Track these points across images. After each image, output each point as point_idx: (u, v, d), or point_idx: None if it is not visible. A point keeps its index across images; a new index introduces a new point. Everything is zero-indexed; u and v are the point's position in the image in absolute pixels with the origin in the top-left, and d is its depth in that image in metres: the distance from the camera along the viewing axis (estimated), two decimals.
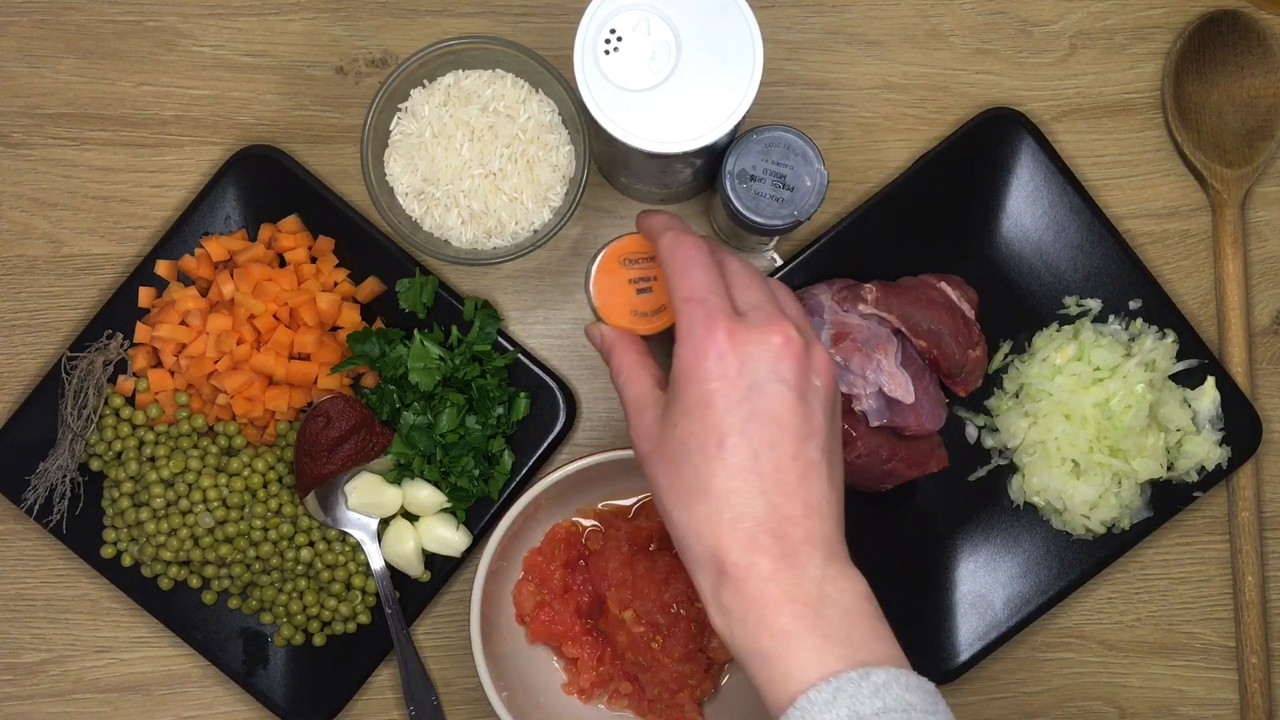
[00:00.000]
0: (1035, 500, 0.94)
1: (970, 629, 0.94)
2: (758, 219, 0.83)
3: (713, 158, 0.83)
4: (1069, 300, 0.95)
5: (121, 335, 0.94)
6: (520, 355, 0.94)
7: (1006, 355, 0.95)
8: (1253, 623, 0.96)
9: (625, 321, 0.86)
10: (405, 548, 0.93)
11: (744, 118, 0.78)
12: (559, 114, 0.91)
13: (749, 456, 0.66)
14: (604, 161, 0.92)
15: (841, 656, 0.64)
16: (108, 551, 0.94)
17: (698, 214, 0.97)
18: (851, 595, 0.66)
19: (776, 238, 0.93)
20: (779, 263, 0.96)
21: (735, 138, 0.83)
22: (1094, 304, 0.95)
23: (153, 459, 0.93)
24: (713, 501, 0.66)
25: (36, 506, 0.93)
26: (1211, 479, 0.94)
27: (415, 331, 0.93)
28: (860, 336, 0.89)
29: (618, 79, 0.77)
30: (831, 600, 0.65)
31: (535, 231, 0.91)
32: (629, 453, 0.89)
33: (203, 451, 0.92)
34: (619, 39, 0.76)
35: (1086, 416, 0.91)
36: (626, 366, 0.74)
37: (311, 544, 0.94)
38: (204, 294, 0.94)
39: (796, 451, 0.67)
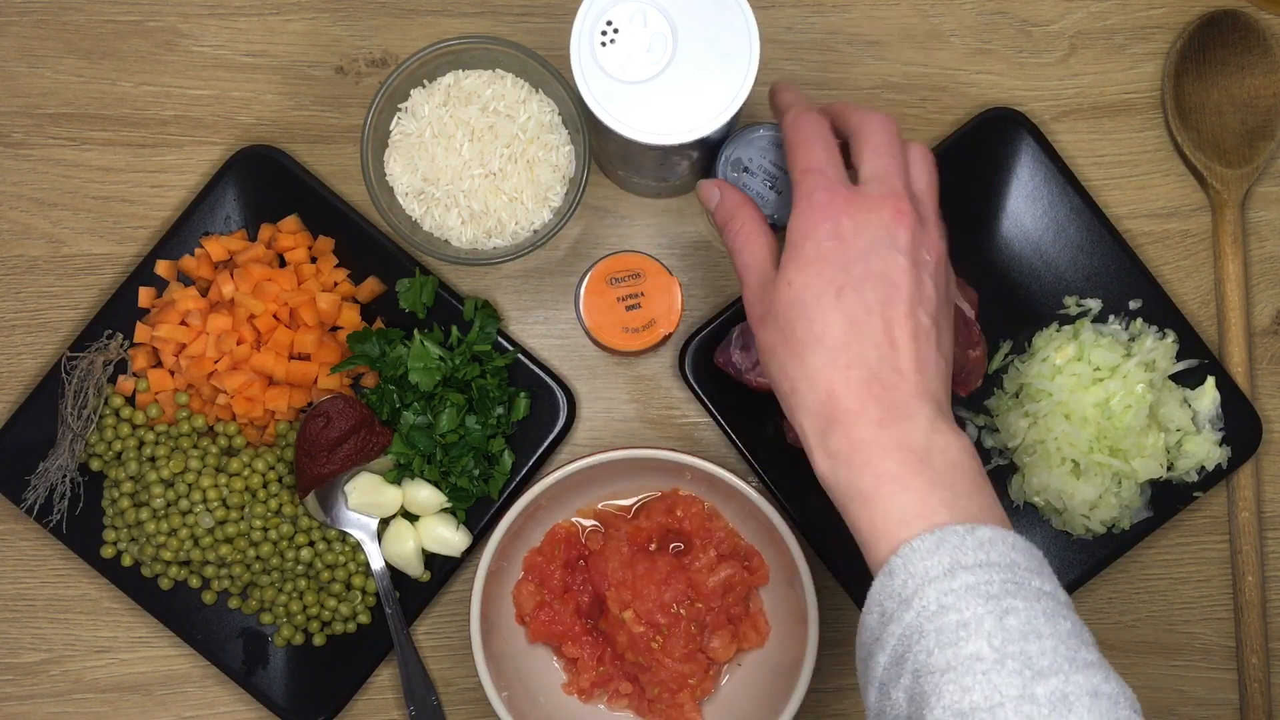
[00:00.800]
0: (1035, 500, 0.94)
1: None
2: None
3: (710, 151, 0.83)
4: (1069, 300, 0.95)
5: (121, 335, 0.94)
6: (520, 355, 0.94)
7: (1006, 355, 0.95)
8: (1253, 623, 0.96)
9: (618, 339, 0.88)
10: (405, 548, 0.93)
11: (740, 110, 0.78)
12: (559, 114, 0.91)
13: (863, 309, 0.69)
14: (601, 155, 0.92)
15: (945, 502, 0.65)
16: (108, 551, 0.94)
17: (697, 212, 0.97)
18: (958, 451, 0.67)
19: None
20: None
21: (742, 128, 0.82)
22: (1094, 304, 0.95)
23: (153, 459, 0.93)
24: (827, 350, 0.69)
25: (36, 506, 0.93)
26: (1211, 479, 0.94)
27: (415, 331, 0.93)
28: None
29: (614, 71, 0.77)
30: (939, 451, 0.67)
31: (535, 231, 0.91)
32: (629, 453, 0.89)
33: (203, 451, 0.92)
34: (615, 31, 0.76)
35: (1086, 416, 0.91)
36: (747, 231, 0.76)
37: (311, 544, 0.94)
38: (204, 294, 0.94)
39: (909, 311, 0.69)
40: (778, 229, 0.82)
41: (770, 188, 0.82)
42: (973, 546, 0.63)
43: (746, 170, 0.82)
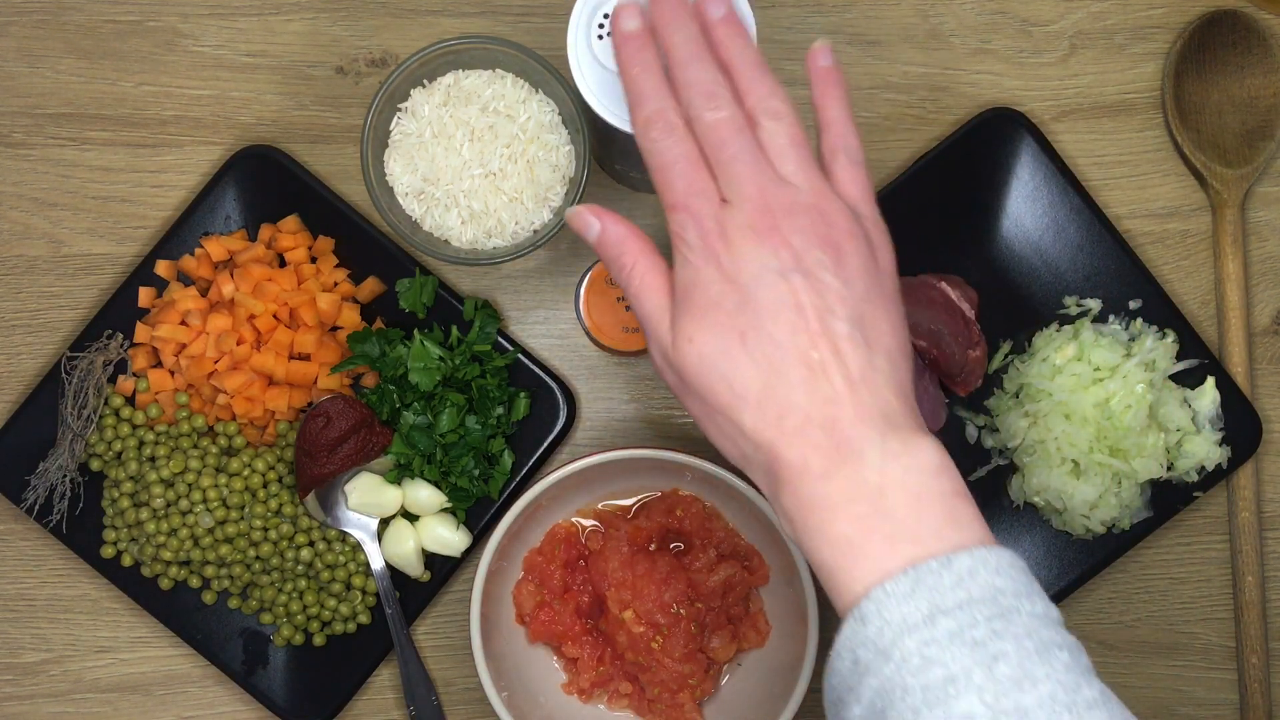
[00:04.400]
0: (1035, 500, 0.94)
1: None
2: None
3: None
4: (1069, 300, 0.95)
5: (121, 335, 0.94)
6: (520, 355, 0.94)
7: (1006, 355, 0.95)
8: (1253, 623, 0.96)
9: (618, 339, 0.88)
10: (405, 548, 0.93)
11: None
12: (559, 114, 0.91)
13: (774, 347, 0.62)
14: (599, 148, 0.92)
15: (910, 558, 0.58)
16: (108, 551, 0.94)
17: None
18: (918, 474, 0.60)
19: None
20: None
21: None
22: (1094, 304, 0.95)
23: (153, 459, 0.93)
24: (753, 406, 0.62)
25: (36, 506, 0.93)
26: (1211, 479, 0.94)
27: (415, 331, 0.93)
28: None
29: (610, 63, 0.77)
30: (895, 486, 0.59)
31: (535, 231, 0.91)
32: (629, 453, 0.89)
33: (203, 451, 0.92)
34: None
35: (1086, 416, 0.91)
36: (640, 271, 0.67)
37: (311, 544, 0.94)
38: (204, 294, 0.94)
39: (820, 328, 0.62)
40: None
41: None
42: (951, 584, 0.57)
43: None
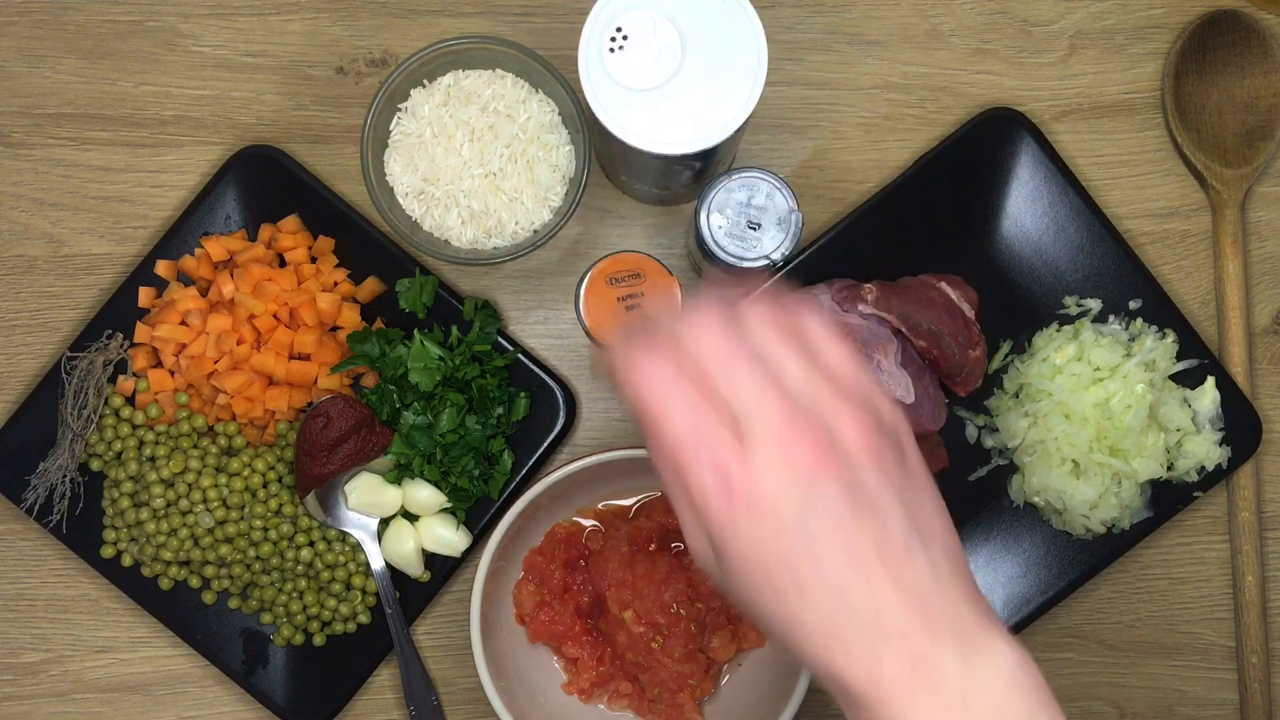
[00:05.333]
0: (1035, 500, 0.94)
1: None
2: (728, 258, 0.85)
3: (714, 161, 0.83)
4: (1069, 300, 0.95)
5: (121, 335, 0.94)
6: (520, 355, 0.94)
7: (1006, 355, 0.95)
8: (1253, 623, 0.96)
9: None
10: (405, 548, 0.93)
11: (746, 122, 0.78)
12: (559, 114, 0.91)
13: (833, 572, 0.56)
14: (605, 160, 0.93)
15: None
16: (108, 551, 0.94)
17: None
18: (998, 684, 0.56)
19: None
20: (779, 261, 0.96)
21: (712, 179, 0.84)
22: (1094, 304, 0.95)
23: (153, 459, 0.93)
24: (817, 634, 0.57)
25: (36, 506, 0.93)
26: (1211, 479, 0.94)
27: (415, 331, 0.93)
28: (860, 337, 0.89)
29: (622, 78, 0.77)
30: (977, 700, 0.56)
31: (535, 231, 0.91)
32: (629, 453, 0.89)
33: (203, 451, 0.92)
34: (624, 37, 0.76)
35: (1086, 416, 0.91)
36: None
37: (311, 544, 0.94)
38: (204, 294, 0.94)
39: (878, 547, 0.56)
40: (773, 265, 0.84)
41: (755, 229, 0.84)
42: None
43: (726, 218, 0.84)
